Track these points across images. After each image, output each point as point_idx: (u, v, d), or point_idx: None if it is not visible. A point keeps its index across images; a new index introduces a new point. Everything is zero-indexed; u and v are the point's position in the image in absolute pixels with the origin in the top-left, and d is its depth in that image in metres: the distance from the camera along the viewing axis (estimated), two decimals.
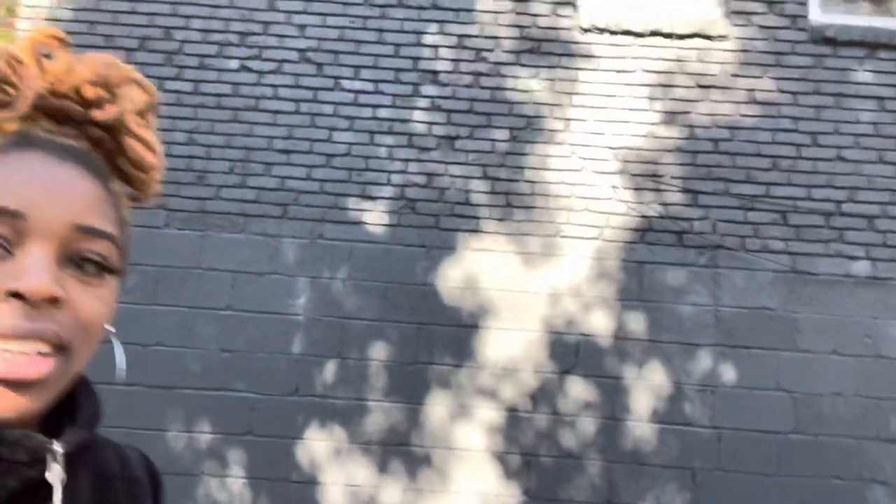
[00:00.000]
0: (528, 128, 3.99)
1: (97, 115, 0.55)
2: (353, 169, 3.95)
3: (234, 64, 4.05)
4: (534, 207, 3.89)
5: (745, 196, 3.85)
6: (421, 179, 3.93)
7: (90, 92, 0.55)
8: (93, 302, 0.52)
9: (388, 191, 3.92)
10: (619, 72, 4.01)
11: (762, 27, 4.02)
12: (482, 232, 3.88)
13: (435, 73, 4.05)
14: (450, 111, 4.00)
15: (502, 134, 3.98)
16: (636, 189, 3.89)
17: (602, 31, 4.04)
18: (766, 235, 3.80)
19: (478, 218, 3.89)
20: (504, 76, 4.04)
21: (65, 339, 0.50)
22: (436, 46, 4.07)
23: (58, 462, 0.51)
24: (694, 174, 3.88)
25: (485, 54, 4.06)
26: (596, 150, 3.94)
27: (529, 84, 4.03)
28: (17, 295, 0.48)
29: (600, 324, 3.75)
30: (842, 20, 4.09)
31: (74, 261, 0.52)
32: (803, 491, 3.53)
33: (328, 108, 4.01)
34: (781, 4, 4.04)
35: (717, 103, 3.95)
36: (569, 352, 3.72)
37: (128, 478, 0.66)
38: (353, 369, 3.70)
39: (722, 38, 4.00)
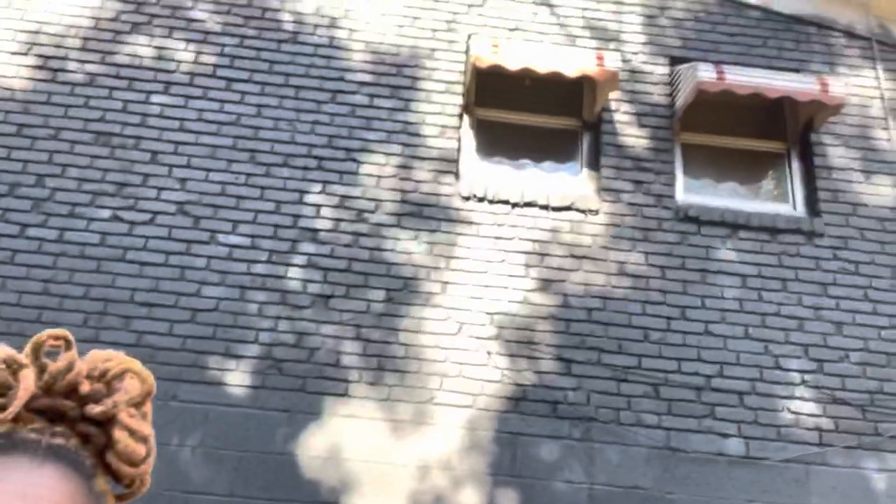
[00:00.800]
0: (405, 289, 3.91)
1: (90, 410, 0.56)
2: (219, 325, 3.73)
3: (105, 213, 3.90)
4: (407, 372, 3.71)
5: (618, 367, 3.79)
6: (290, 339, 3.73)
7: (87, 387, 0.56)
8: None
9: (254, 349, 3.69)
10: (496, 238, 4.05)
11: (631, 204, 4.19)
12: (351, 396, 3.64)
13: (315, 231, 3.99)
14: (327, 269, 3.91)
15: (379, 294, 3.88)
16: (511, 356, 3.79)
17: (481, 199, 4.12)
18: (639, 409, 3.70)
19: (347, 381, 3.67)
20: (384, 237, 4.02)
21: None
22: (317, 205, 4.05)
23: None
24: (568, 342, 3.83)
25: (366, 215, 4.06)
26: (473, 315, 3.86)
27: (409, 246, 4.00)
28: None
29: (471, 501, 3.46)
30: (704, 201, 4.32)
31: None
32: None
33: (200, 262, 3.85)
34: (649, 184, 4.25)
35: (590, 273, 4.00)
36: None
37: None
38: None
39: (594, 212, 4.14)
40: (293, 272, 3.88)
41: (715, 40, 4.63)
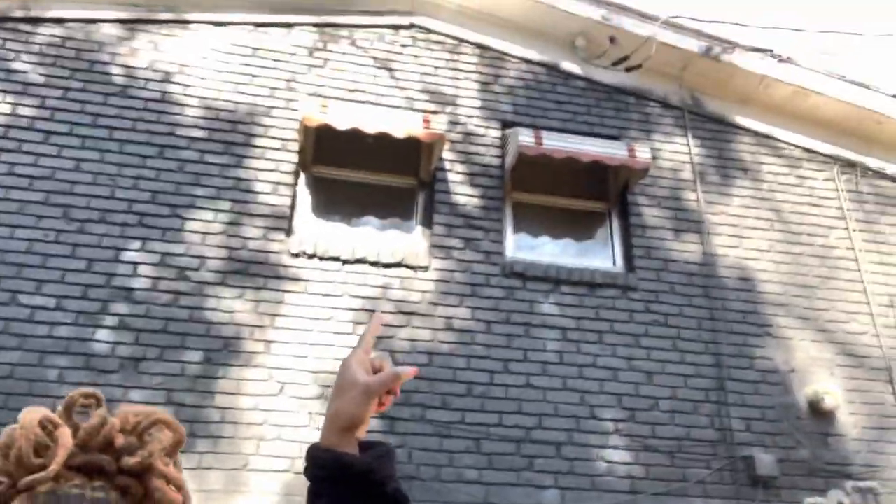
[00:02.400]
0: (224, 349, 3.71)
1: (126, 462, 0.58)
2: (11, 394, 3.38)
3: None
4: (220, 437, 3.49)
5: (441, 423, 3.73)
6: None
7: (121, 440, 0.58)
8: None
9: None
10: (325, 296, 3.95)
11: (460, 261, 4.22)
12: None
13: (129, 290, 3.74)
14: (139, 331, 3.65)
15: (196, 356, 3.65)
16: None
17: (311, 256, 4.02)
18: (460, 464, 3.64)
19: None
20: (206, 296, 3.82)
21: None
22: (135, 263, 3.81)
23: None
24: (393, 401, 3.73)
25: (188, 273, 3.85)
26: (295, 374, 3.71)
27: (232, 305, 3.83)
28: None
29: None
30: (531, 257, 4.43)
31: None
32: None
33: None
34: (478, 241, 4.31)
35: (418, 329, 3.96)
36: None
37: None
38: None
39: (424, 268, 4.13)
40: (101, 334, 3.60)
41: (543, 107, 4.84)
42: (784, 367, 4.29)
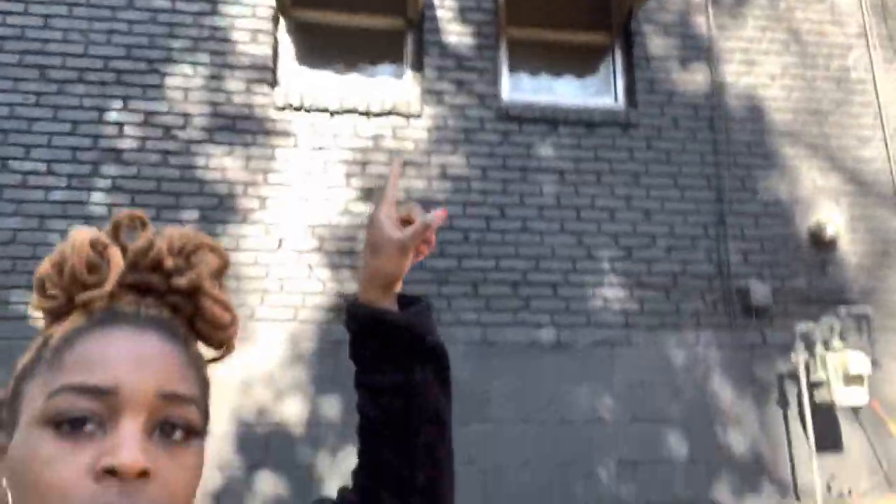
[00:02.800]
0: (220, 207, 3.71)
1: (176, 282, 0.58)
2: (17, 258, 3.46)
3: None
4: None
5: (439, 270, 3.78)
6: None
7: (169, 262, 0.58)
8: (180, 473, 0.52)
9: None
10: (316, 149, 3.85)
11: (453, 106, 4.04)
12: None
13: (118, 151, 3.68)
14: (133, 192, 3.64)
15: (192, 214, 3.67)
16: (333, 267, 3.71)
17: (298, 108, 3.88)
18: (458, 308, 3.74)
19: None
20: (195, 154, 3.75)
21: None
22: (119, 124, 3.72)
23: None
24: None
25: (175, 132, 3.76)
26: (293, 228, 3.73)
27: (223, 162, 3.77)
28: (110, 471, 0.48)
29: (294, 412, 3.48)
30: (527, 98, 4.22)
31: (161, 428, 0.52)
32: None
33: None
34: (472, 84, 4.09)
35: (412, 179, 3.90)
36: (257, 445, 3.41)
37: None
38: None
39: (416, 116, 3.98)
40: (96, 196, 3.60)
41: None
42: (787, 197, 4.20)
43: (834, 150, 4.33)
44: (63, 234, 3.52)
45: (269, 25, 3.99)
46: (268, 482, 3.36)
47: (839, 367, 3.66)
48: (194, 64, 3.85)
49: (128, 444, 0.49)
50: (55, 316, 0.57)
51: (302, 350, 3.56)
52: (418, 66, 4.14)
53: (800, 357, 3.77)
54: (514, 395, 3.64)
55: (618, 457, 3.63)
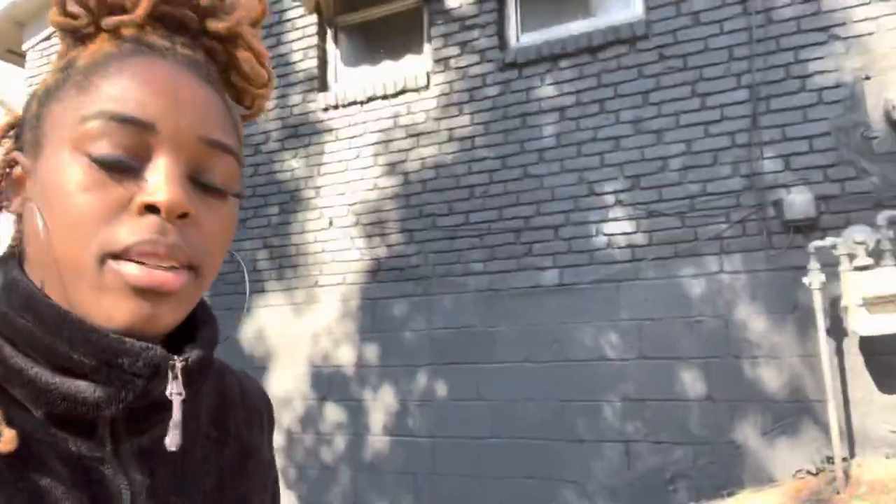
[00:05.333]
0: (292, 200, 4.55)
1: (213, 25, 0.50)
2: None
3: None
4: (297, 266, 4.45)
5: (449, 227, 4.00)
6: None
7: (206, 1, 0.50)
8: (217, 221, 0.48)
9: None
10: (350, 138, 4.39)
11: (458, 68, 4.11)
12: (266, 291, 4.53)
13: None
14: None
15: (274, 210, 4.60)
16: (367, 237, 4.25)
17: (335, 107, 4.45)
18: (467, 260, 3.91)
19: (262, 280, 4.55)
20: (274, 161, 4.66)
21: (193, 258, 0.46)
22: None
23: (178, 378, 0.46)
24: (409, 215, 4.13)
25: (260, 147, 4.71)
26: (338, 210, 4.37)
27: (291, 164, 4.59)
28: (151, 209, 0.44)
29: (346, 356, 4.18)
30: (527, 40, 4.01)
31: (200, 177, 0.47)
32: (500, 490, 3.61)
33: None
34: (474, 42, 4.09)
35: (424, 147, 4.14)
36: (324, 382, 4.22)
37: (247, 406, 0.63)
38: None
39: (425, 88, 4.18)
40: None
41: None
42: (850, 77, 3.18)
43: None
44: None
45: (315, 41, 4.62)
46: (332, 411, 4.16)
47: None
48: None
49: (171, 183, 0.44)
50: (76, 38, 0.49)
51: (350, 307, 4.23)
52: (430, 38, 4.30)
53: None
54: (518, 337, 3.71)
55: (622, 394, 3.43)
